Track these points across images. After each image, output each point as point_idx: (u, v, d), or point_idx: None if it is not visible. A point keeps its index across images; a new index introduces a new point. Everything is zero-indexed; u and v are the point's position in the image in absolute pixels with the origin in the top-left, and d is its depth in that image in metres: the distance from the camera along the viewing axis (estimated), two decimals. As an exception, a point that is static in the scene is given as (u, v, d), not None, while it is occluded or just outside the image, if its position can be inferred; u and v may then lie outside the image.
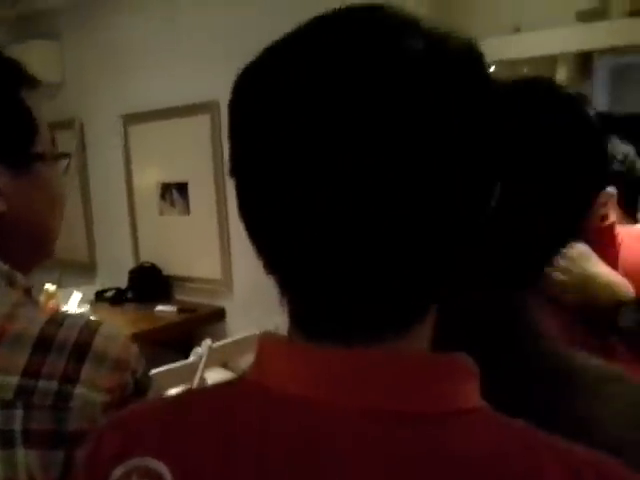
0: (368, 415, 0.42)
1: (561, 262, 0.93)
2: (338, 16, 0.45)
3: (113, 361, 0.75)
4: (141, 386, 0.79)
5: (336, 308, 0.44)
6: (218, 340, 2.58)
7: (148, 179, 3.68)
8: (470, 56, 0.44)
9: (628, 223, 1.45)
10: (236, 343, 2.58)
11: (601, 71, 3.78)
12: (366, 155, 0.40)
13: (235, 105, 0.47)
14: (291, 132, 0.42)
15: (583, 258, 0.95)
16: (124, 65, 3.65)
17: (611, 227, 1.04)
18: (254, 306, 2.85)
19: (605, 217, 1.04)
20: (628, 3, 2.80)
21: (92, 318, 0.85)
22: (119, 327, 0.85)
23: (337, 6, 0.46)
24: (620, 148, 1.50)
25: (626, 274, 1.00)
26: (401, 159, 0.40)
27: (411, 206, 0.40)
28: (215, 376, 2.44)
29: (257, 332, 2.66)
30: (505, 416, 0.44)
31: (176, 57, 3.38)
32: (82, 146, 4.00)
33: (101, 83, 3.79)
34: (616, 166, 1.46)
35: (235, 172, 0.47)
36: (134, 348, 0.81)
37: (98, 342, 0.75)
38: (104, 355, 0.75)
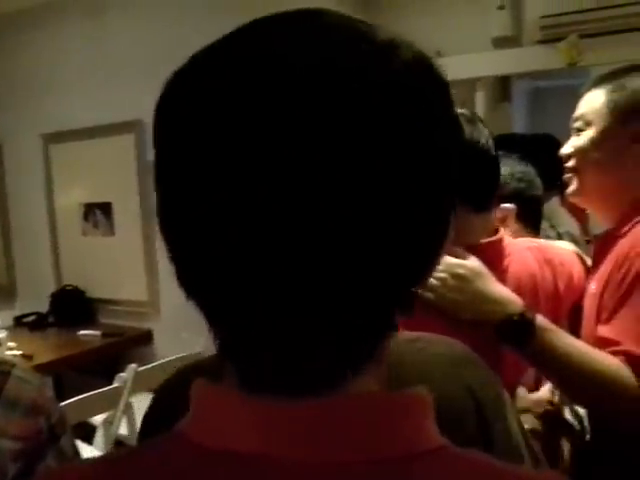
0: (333, 469, 0.39)
1: (454, 282, 0.98)
2: (274, 19, 0.41)
3: (26, 406, 0.72)
4: (56, 431, 0.75)
5: (277, 354, 0.39)
6: (146, 364, 2.52)
7: (70, 199, 3.57)
8: (422, 66, 0.41)
9: (528, 236, 1.53)
10: (163, 367, 2.53)
11: (519, 94, 3.96)
12: (306, 171, 0.35)
13: (163, 109, 0.42)
14: (223, 140, 0.37)
15: (476, 277, 0.99)
16: (44, 83, 3.54)
17: (500, 241, 1.08)
18: (182, 327, 2.80)
19: (496, 231, 1.09)
20: (539, 32, 2.96)
21: (5, 356, 0.81)
22: (40, 355, 0.82)
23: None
24: (518, 167, 1.58)
25: (518, 286, 1.04)
26: (345, 176, 0.36)
27: (357, 224, 0.36)
28: (142, 404, 2.38)
29: (186, 354, 2.61)
30: (466, 450, 0.43)
31: (99, 75, 3.31)
32: (0, 166, 3.85)
33: (20, 101, 3.66)
34: (514, 184, 1.54)
35: (159, 181, 0.41)
36: (49, 391, 0.77)
37: (10, 386, 0.72)
38: (17, 400, 0.71)
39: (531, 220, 1.59)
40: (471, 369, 0.60)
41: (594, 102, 1.17)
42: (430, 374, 0.56)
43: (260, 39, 0.39)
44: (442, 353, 0.60)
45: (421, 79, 0.40)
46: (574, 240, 1.87)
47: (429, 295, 0.98)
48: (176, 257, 0.41)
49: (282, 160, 0.35)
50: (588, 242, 1.81)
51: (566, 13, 2.85)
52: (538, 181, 1.62)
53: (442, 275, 0.99)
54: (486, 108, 3.39)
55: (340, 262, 0.37)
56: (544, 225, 1.78)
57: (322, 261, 0.36)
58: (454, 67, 3.36)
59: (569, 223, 2.04)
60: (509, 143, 1.79)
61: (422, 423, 0.42)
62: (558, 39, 2.87)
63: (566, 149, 1.22)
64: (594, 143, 1.16)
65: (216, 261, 0.38)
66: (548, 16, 2.90)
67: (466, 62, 3.22)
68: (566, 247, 1.34)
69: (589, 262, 1.23)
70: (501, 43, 3.16)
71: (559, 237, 1.89)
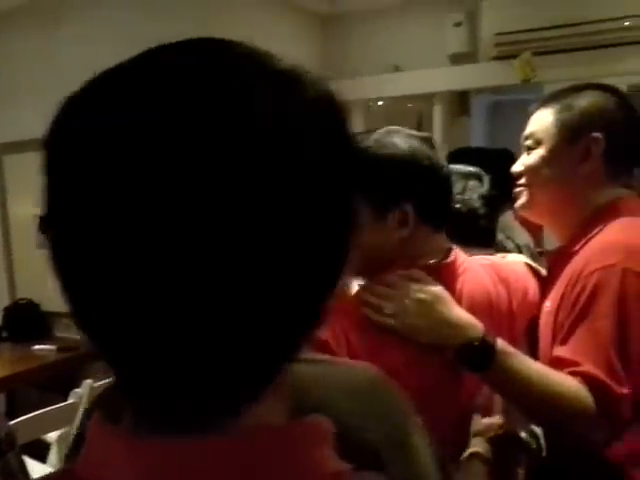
0: None
1: (415, 307, 0.99)
2: (173, 47, 0.40)
3: None
4: (2, 447, 0.74)
5: (165, 389, 0.38)
6: (102, 379, 2.47)
7: (25, 211, 3.47)
8: (323, 99, 0.40)
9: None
10: (121, 381, 2.48)
11: (477, 108, 4.04)
12: (195, 211, 0.34)
13: (59, 136, 0.41)
14: (119, 173, 0.35)
15: (437, 301, 1.00)
16: (-1, 92, 3.47)
17: (454, 262, 1.08)
18: (140, 341, 2.76)
19: (449, 250, 1.09)
20: (494, 48, 3.03)
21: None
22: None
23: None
24: (457, 185, 1.55)
25: (471, 305, 1.05)
26: (235, 226, 0.34)
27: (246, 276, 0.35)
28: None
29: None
30: (363, 474, 0.43)
31: (54, 85, 3.24)
32: (-49, 176, 3.75)
33: (-27, 110, 3.58)
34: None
35: (53, 216, 0.40)
36: None
37: None
38: None
39: (472, 237, 1.56)
40: (374, 401, 0.59)
41: (543, 121, 1.19)
42: (330, 401, 0.55)
43: (161, 66, 0.38)
44: (344, 380, 0.59)
45: (321, 113, 0.39)
46: (532, 254, 1.89)
47: (390, 321, 0.98)
48: (72, 297, 0.41)
49: (173, 195, 0.34)
50: (541, 254, 1.84)
51: (521, 31, 2.94)
52: (475, 197, 1.60)
53: (403, 301, 0.99)
54: (444, 122, 3.45)
55: (233, 292, 0.35)
56: (500, 237, 1.80)
57: (211, 290, 0.35)
58: (412, 82, 3.43)
59: (525, 236, 2.07)
60: (466, 156, 1.81)
61: (317, 450, 0.41)
62: (513, 56, 2.95)
63: (517, 167, 1.24)
64: (545, 161, 1.18)
65: (107, 304, 0.38)
66: (503, 33, 2.98)
67: (423, 77, 3.28)
68: (518, 259, 1.35)
69: (543, 272, 1.25)
70: (458, 59, 3.23)
71: (518, 249, 1.91)
